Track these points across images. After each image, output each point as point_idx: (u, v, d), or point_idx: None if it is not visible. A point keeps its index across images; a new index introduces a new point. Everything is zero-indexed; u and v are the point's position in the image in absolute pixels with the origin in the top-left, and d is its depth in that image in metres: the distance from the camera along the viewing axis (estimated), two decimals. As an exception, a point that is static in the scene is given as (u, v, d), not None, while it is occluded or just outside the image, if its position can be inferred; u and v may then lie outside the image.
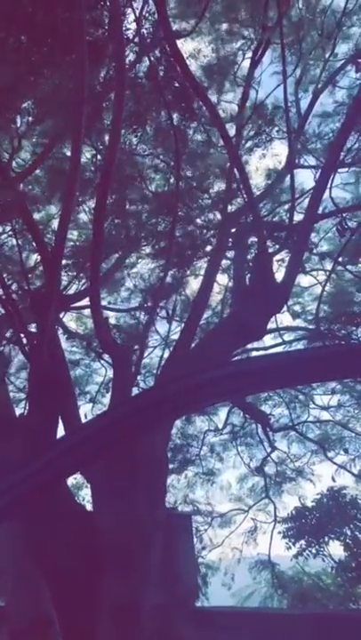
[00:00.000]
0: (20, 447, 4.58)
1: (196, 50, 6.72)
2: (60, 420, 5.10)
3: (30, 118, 5.20)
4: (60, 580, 4.45)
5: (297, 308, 8.85)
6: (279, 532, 9.74)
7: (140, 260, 8.27)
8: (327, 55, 7.41)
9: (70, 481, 7.58)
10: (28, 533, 4.50)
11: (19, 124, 5.46)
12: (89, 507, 5.77)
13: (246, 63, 7.13)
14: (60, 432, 5.13)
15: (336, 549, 9.70)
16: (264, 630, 5.28)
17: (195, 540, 9.23)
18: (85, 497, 8.11)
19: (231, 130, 6.91)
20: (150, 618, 4.44)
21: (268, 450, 9.41)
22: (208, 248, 7.48)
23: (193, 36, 6.52)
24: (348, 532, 9.67)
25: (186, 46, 6.53)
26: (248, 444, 9.70)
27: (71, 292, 7.58)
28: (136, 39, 4.92)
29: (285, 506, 10.02)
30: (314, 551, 9.54)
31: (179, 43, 5.15)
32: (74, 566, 4.40)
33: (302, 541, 9.54)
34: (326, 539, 9.55)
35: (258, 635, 5.22)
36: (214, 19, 6.77)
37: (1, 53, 4.12)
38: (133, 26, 4.80)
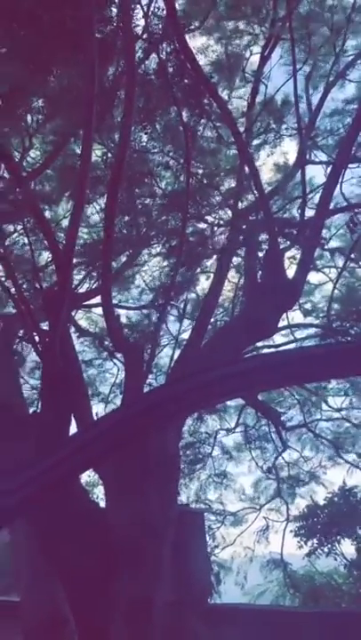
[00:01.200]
0: (32, 445, 4.59)
1: (204, 45, 6.68)
2: (73, 419, 5.11)
3: (41, 117, 5.21)
4: (74, 577, 4.46)
5: (308, 305, 8.78)
6: (291, 531, 9.71)
7: (151, 259, 8.26)
8: (337, 50, 7.34)
9: (84, 479, 7.60)
10: (42, 531, 4.52)
11: (29, 123, 5.48)
12: (102, 505, 5.79)
13: (255, 58, 7.11)
14: (73, 430, 5.14)
15: (348, 548, 9.66)
16: (276, 627, 5.27)
17: (207, 538, 9.21)
18: (99, 495, 8.13)
19: (241, 126, 6.89)
20: (163, 614, 4.44)
21: (280, 449, 9.37)
22: (219, 245, 7.45)
23: (201, 32, 6.49)
24: (360, 532, 9.64)
25: (194, 42, 6.50)
26: (261, 443, 9.65)
27: (82, 290, 7.59)
28: (145, 35, 4.91)
29: (298, 505, 9.99)
30: (326, 550, 9.51)
31: (187, 38, 5.15)
32: (87, 564, 4.41)
33: (314, 540, 9.51)
34: (338, 537, 9.52)
35: (270, 632, 5.21)
36: (223, 14, 6.73)
37: (10, 51, 4.14)
38: (142, 22, 4.79)
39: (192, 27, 6.20)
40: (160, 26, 4.78)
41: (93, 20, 3.79)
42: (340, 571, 9.94)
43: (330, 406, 9.37)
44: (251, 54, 7.23)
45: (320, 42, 7.26)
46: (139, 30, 4.86)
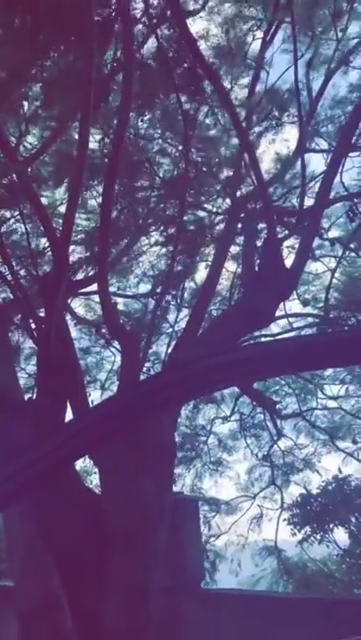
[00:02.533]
0: (28, 431, 4.60)
1: (204, 30, 6.56)
2: (69, 405, 5.12)
3: (37, 102, 5.15)
4: (69, 562, 4.50)
5: (307, 295, 8.74)
6: (284, 520, 9.78)
7: (148, 247, 8.22)
8: (339, 36, 7.22)
9: (79, 466, 7.63)
10: (38, 516, 4.54)
11: (26, 108, 5.41)
12: (97, 492, 5.81)
13: (257, 44, 6.99)
14: (69, 417, 5.15)
15: (342, 535, 9.75)
16: (269, 613, 5.32)
17: (202, 526, 9.28)
18: (94, 482, 8.17)
19: (242, 113, 6.82)
20: (158, 600, 4.48)
21: (275, 437, 9.41)
22: (217, 234, 7.41)
23: (202, 16, 6.37)
24: (353, 520, 9.72)
25: (195, 27, 6.39)
26: (256, 431, 9.69)
27: (80, 277, 7.55)
28: (144, 19, 4.83)
29: (292, 494, 10.05)
30: (318, 537, 9.59)
31: (188, 22, 5.06)
32: (82, 549, 4.44)
33: (307, 528, 9.59)
34: (331, 525, 9.60)
35: (263, 617, 5.27)
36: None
37: (7, 36, 4.07)
38: (141, 5, 4.71)
39: (193, 10, 6.09)
40: (159, 9, 4.70)
41: (92, 2, 3.72)
42: (333, 558, 10.04)
43: (325, 394, 9.38)
44: (254, 39, 7.11)
45: (322, 27, 7.14)
46: (138, 14, 4.77)
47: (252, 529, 10.14)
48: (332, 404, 9.45)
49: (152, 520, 4.70)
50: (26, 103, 5.33)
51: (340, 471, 9.75)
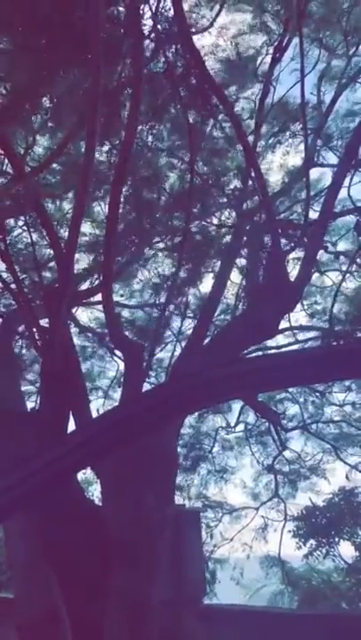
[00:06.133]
0: (30, 442, 4.61)
1: (213, 45, 6.61)
2: (71, 416, 5.12)
3: (46, 116, 5.21)
4: (69, 574, 4.48)
5: (313, 308, 8.73)
6: (289, 531, 9.68)
7: (154, 257, 8.25)
8: (350, 52, 7.23)
9: (80, 476, 7.62)
10: (38, 527, 4.54)
11: (34, 121, 5.48)
12: (98, 503, 5.80)
13: (267, 58, 7.02)
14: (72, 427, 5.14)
15: (348, 548, 9.63)
16: (271, 628, 5.28)
17: (205, 536, 9.22)
18: (95, 492, 8.16)
19: (251, 125, 6.86)
20: (158, 612, 4.46)
21: (280, 448, 9.35)
22: (223, 246, 7.44)
23: (212, 30, 6.42)
24: (360, 532, 9.59)
25: (204, 41, 6.44)
26: (261, 440, 9.64)
27: (85, 287, 7.58)
28: (152, 35, 4.88)
29: (298, 505, 9.96)
30: (324, 551, 9.47)
31: (196, 37, 5.13)
32: (82, 560, 4.43)
33: (312, 541, 9.48)
34: (337, 539, 9.48)
35: (265, 632, 5.22)
36: (234, 11, 6.68)
37: (16, 52, 4.13)
38: (149, 22, 4.77)
39: (201, 25, 6.14)
40: (167, 25, 4.75)
41: (100, 20, 3.77)
42: (339, 570, 9.89)
43: (332, 403, 9.27)
44: (267, 53, 7.13)
45: (334, 41, 7.16)
46: (146, 30, 4.82)
47: (257, 539, 10.07)
48: (337, 416, 9.35)
49: (153, 532, 4.69)
50: (35, 117, 5.38)
51: (348, 479, 9.63)
